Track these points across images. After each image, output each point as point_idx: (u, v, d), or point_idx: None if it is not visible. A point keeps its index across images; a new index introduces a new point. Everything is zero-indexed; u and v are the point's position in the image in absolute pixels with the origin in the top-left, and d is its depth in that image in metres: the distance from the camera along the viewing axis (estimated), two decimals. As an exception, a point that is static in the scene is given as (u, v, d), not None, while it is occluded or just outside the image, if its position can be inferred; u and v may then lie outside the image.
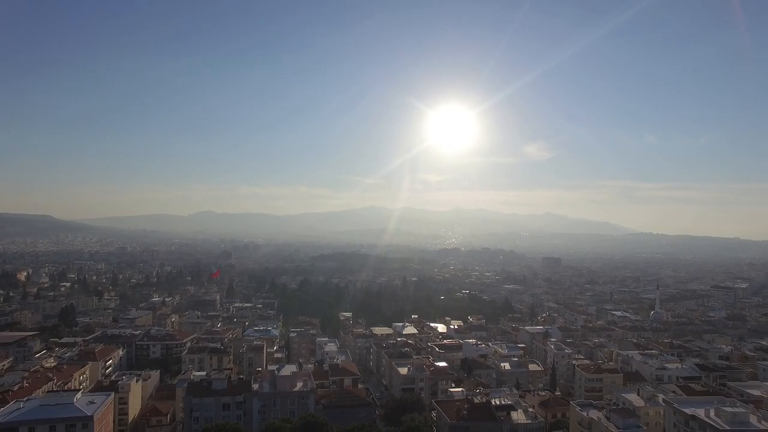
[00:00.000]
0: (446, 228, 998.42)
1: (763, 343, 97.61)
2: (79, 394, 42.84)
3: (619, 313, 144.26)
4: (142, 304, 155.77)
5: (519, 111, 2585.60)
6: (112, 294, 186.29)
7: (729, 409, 41.49)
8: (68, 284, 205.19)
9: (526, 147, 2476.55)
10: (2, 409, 39.76)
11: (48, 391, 47.13)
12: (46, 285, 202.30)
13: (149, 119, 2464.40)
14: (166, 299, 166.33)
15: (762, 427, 38.69)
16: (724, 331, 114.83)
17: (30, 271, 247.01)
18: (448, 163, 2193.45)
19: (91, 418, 39.20)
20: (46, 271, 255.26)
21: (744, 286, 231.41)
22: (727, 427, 39.11)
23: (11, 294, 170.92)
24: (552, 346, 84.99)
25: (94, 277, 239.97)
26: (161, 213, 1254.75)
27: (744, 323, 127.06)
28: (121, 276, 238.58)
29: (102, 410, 41.77)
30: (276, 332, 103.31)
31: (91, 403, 42.16)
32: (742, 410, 41.49)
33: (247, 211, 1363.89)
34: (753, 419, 40.67)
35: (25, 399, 41.97)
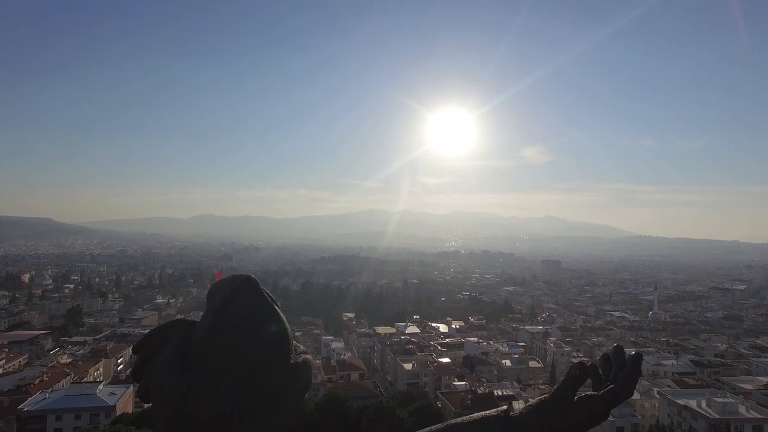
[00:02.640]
0: (446, 231, 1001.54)
1: (758, 342, 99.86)
2: (101, 386, 45.01)
3: (617, 314, 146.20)
4: (146, 306, 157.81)
5: (518, 114, 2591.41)
6: (116, 296, 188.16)
7: (719, 400, 43.79)
8: (72, 286, 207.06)
9: (525, 150, 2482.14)
10: (30, 399, 41.93)
11: (72, 383, 49.31)
12: (50, 287, 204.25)
13: (149, 122, 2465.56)
14: (170, 301, 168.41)
15: (749, 416, 40.98)
16: (721, 331, 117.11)
17: (33, 273, 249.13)
18: (448, 166, 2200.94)
19: (113, 407, 41.36)
20: (50, 273, 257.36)
21: (742, 287, 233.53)
22: (717, 416, 41.39)
23: (17, 295, 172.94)
24: (552, 345, 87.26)
25: (97, 279, 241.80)
26: (161, 216, 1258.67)
27: (740, 323, 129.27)
28: (123, 278, 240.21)
29: (123, 401, 43.93)
30: None
31: (113, 394, 44.35)
32: (732, 401, 43.78)
33: (247, 214, 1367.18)
34: (742, 409, 42.99)
35: (50, 390, 44.13)
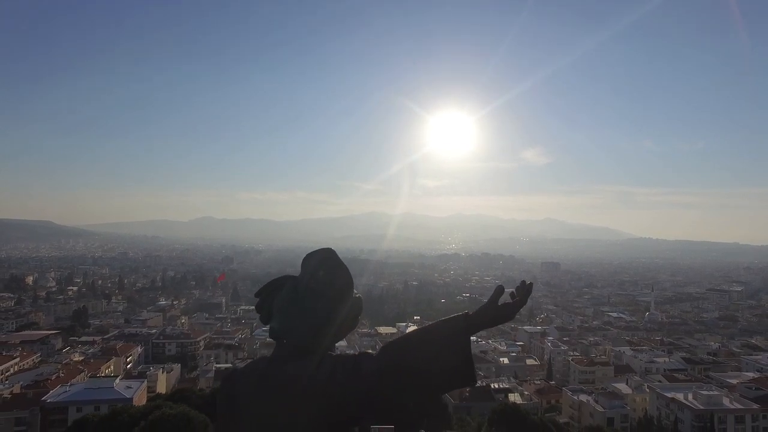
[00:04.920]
0: (446, 233, 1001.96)
1: (752, 341, 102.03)
2: (117, 380, 47.36)
3: (615, 314, 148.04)
4: (150, 307, 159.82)
5: (518, 116, 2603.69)
6: (119, 297, 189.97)
7: (705, 393, 46.17)
8: (75, 288, 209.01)
9: (525, 152, 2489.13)
10: (51, 391, 44.31)
11: (90, 376, 51.68)
12: (53, 289, 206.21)
13: (149, 124, 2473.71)
14: (174, 302, 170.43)
15: (732, 407, 43.34)
16: (715, 331, 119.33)
17: (36, 275, 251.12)
18: (447, 168, 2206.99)
19: (131, 400, 43.61)
20: (53, 275, 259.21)
21: (739, 289, 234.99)
22: (702, 407, 43.74)
23: (22, 297, 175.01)
24: (549, 344, 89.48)
25: (100, 282, 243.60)
26: (161, 218, 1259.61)
27: (735, 323, 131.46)
28: (126, 280, 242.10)
29: (138, 394, 46.26)
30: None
31: (129, 387, 46.71)
32: (717, 393, 46.12)
33: (247, 216, 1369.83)
34: (726, 401, 45.35)
35: (69, 384, 46.47)
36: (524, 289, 2.41)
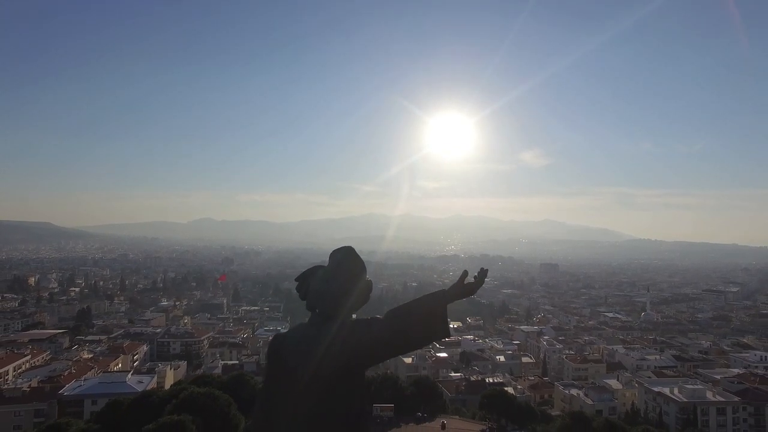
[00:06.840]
0: (445, 235, 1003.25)
1: (743, 340, 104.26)
2: (129, 375, 49.52)
3: (611, 315, 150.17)
4: (152, 308, 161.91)
5: (517, 118, 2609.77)
6: (121, 298, 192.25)
7: (689, 387, 48.51)
8: (78, 289, 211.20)
9: (524, 154, 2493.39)
10: (67, 385, 46.52)
11: (103, 372, 53.87)
12: (56, 290, 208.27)
13: (149, 126, 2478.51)
14: (176, 303, 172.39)
15: (714, 399, 45.65)
16: (709, 330, 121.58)
17: (38, 276, 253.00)
18: (447, 170, 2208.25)
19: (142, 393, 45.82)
20: (54, 276, 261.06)
21: (735, 290, 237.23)
22: (686, 400, 46.01)
23: (26, 298, 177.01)
24: (545, 343, 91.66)
25: (101, 283, 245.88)
26: (161, 220, 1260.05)
27: (728, 323, 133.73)
28: (127, 282, 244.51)
29: (149, 388, 48.40)
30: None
31: (140, 382, 48.88)
32: (701, 387, 48.42)
33: (247, 218, 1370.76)
34: (709, 394, 47.66)
35: (83, 379, 48.65)
36: (482, 274, 3.53)
